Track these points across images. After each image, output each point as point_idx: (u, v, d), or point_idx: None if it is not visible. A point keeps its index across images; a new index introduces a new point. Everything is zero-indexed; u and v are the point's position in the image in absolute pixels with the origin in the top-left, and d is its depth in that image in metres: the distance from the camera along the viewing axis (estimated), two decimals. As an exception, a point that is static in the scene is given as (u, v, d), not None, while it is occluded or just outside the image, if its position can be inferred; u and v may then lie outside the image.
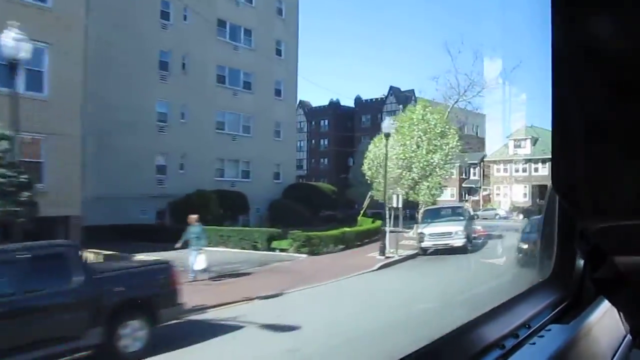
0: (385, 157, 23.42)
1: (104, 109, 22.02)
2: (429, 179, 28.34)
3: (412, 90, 63.90)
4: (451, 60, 43.46)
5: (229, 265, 15.67)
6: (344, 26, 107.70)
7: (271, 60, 33.49)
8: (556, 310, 1.75)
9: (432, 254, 19.54)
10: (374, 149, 28.47)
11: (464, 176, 58.38)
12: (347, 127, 67.68)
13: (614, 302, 1.66)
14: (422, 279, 15.24)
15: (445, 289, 11.73)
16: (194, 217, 13.98)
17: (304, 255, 18.75)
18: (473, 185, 57.32)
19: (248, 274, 15.11)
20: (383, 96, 66.19)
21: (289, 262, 17.68)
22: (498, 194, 55.59)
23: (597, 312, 1.79)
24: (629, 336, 1.85)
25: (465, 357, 1.31)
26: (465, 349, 1.35)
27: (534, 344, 1.47)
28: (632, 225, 0.95)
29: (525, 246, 11.49)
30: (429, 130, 28.51)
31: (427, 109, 29.28)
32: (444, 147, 28.62)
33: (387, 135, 23.36)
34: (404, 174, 27.40)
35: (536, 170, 50.12)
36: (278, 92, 34.77)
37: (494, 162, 57.05)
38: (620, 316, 1.86)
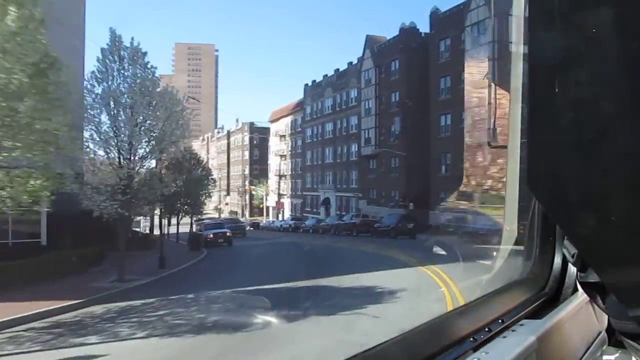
0: None
1: None
2: None
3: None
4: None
5: None
6: None
7: None
8: (531, 307, 1.79)
9: None
10: None
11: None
12: (422, 67, 38.15)
13: (597, 303, 1.71)
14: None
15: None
16: None
17: None
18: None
19: None
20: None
21: None
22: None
23: (571, 309, 1.83)
24: (603, 333, 1.90)
25: (436, 347, 1.35)
26: (437, 340, 1.39)
27: (505, 337, 1.51)
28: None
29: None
30: None
31: None
32: None
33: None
34: None
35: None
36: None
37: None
38: (595, 314, 1.90)
